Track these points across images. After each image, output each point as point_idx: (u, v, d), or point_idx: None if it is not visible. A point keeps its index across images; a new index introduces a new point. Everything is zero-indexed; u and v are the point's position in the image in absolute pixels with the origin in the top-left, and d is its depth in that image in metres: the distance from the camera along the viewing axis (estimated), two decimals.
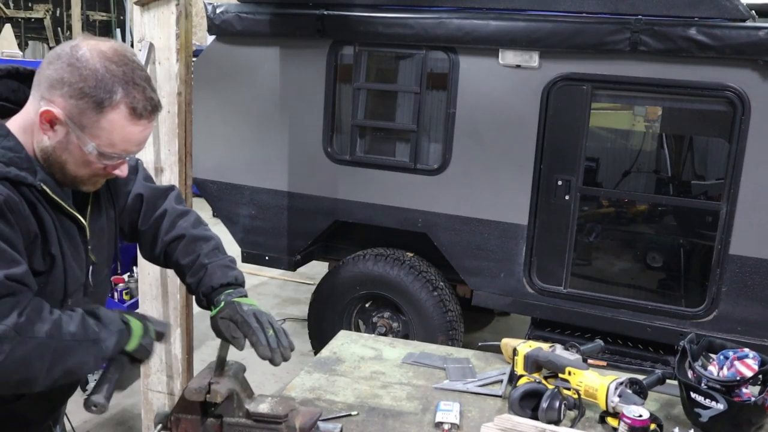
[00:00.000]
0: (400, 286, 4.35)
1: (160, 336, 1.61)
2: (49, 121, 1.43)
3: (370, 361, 2.42)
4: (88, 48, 1.42)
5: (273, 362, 1.61)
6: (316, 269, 6.11)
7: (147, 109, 1.45)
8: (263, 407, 1.65)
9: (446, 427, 1.94)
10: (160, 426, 1.67)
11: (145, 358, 1.57)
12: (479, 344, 2.60)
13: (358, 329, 4.59)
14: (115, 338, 1.50)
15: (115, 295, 4.25)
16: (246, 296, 1.71)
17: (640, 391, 2.03)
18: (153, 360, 3.64)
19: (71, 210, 1.53)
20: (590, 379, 2.03)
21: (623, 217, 4.48)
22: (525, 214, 4.00)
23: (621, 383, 1.99)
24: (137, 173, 1.84)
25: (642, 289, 4.28)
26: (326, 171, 4.38)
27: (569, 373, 2.07)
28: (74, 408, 4.41)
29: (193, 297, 1.82)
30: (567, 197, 3.91)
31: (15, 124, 1.48)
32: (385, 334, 4.40)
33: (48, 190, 1.46)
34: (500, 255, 4.08)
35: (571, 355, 2.15)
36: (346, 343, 2.58)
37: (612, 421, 1.99)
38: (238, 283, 1.74)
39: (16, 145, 1.44)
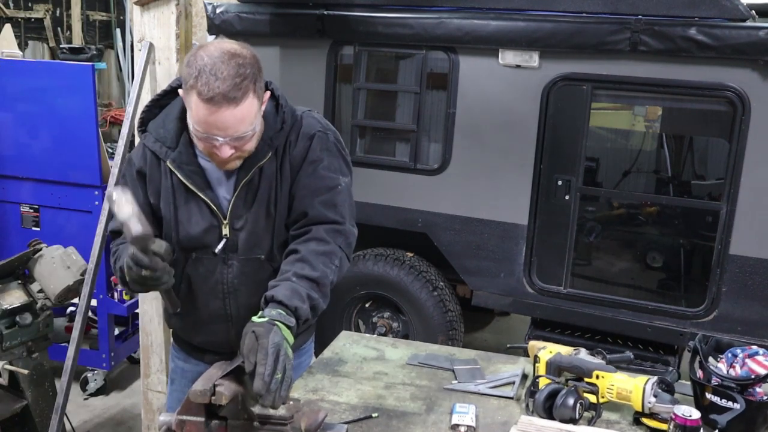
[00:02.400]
0: (400, 286, 4.35)
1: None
2: (184, 99, 1.79)
3: (372, 362, 2.42)
4: (206, 48, 1.74)
5: (261, 401, 1.56)
6: None
7: (211, 96, 1.67)
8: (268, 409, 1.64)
9: (463, 429, 1.92)
10: (165, 428, 1.66)
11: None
12: (507, 346, 2.58)
13: (358, 329, 4.59)
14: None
15: (115, 295, 4.25)
16: (290, 328, 1.66)
17: (667, 390, 2.00)
18: (153, 360, 3.63)
19: (187, 183, 1.89)
20: (622, 381, 1.98)
21: (623, 217, 4.48)
22: (525, 214, 4.00)
23: (654, 383, 1.96)
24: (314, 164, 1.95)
25: (642, 289, 4.29)
26: None
27: (597, 377, 2.03)
28: (74, 408, 4.40)
29: None
30: (567, 197, 3.92)
31: None
32: (385, 334, 4.40)
33: (170, 166, 1.90)
34: (500, 255, 4.09)
35: (596, 360, 2.14)
36: (347, 343, 2.58)
37: (649, 422, 1.94)
38: (296, 314, 1.70)
39: (173, 128, 1.91)
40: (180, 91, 1.82)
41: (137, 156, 2.00)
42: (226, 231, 1.92)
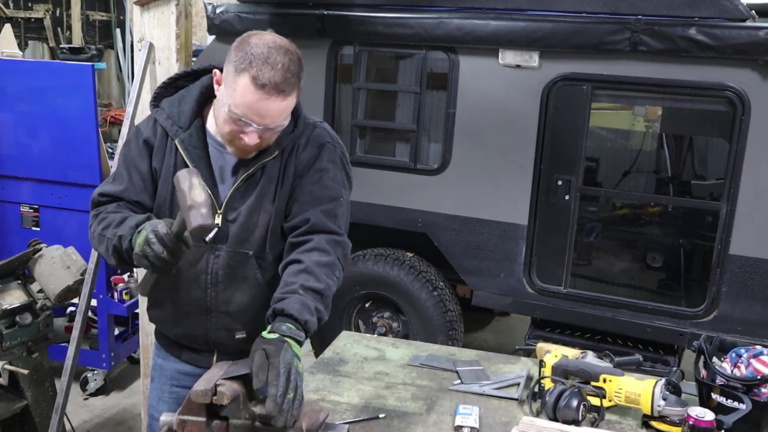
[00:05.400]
0: (400, 286, 4.35)
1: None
2: (217, 81, 1.85)
3: (373, 362, 2.42)
4: (261, 36, 1.78)
5: (273, 422, 1.56)
6: None
7: (265, 84, 1.71)
8: None
9: (466, 430, 1.92)
10: (165, 428, 1.66)
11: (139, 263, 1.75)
12: (516, 348, 2.58)
13: (358, 329, 4.59)
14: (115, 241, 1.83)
15: (115, 295, 4.24)
16: (300, 343, 1.66)
17: (674, 391, 1.99)
18: (153, 359, 3.63)
19: (191, 165, 1.88)
20: (630, 385, 1.97)
21: (623, 217, 4.48)
22: (525, 214, 4.00)
23: (663, 385, 1.94)
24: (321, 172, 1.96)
25: (642, 289, 4.29)
26: None
27: (604, 381, 2.02)
28: (74, 408, 4.39)
29: None
30: (567, 197, 3.92)
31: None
32: (384, 334, 4.40)
33: (178, 145, 1.92)
34: (500, 255, 4.09)
35: (603, 363, 2.12)
36: (348, 343, 2.58)
37: (658, 425, 1.94)
38: (305, 328, 1.70)
39: (188, 110, 1.93)
40: (216, 72, 1.84)
41: (146, 127, 2.00)
42: (218, 221, 1.92)
